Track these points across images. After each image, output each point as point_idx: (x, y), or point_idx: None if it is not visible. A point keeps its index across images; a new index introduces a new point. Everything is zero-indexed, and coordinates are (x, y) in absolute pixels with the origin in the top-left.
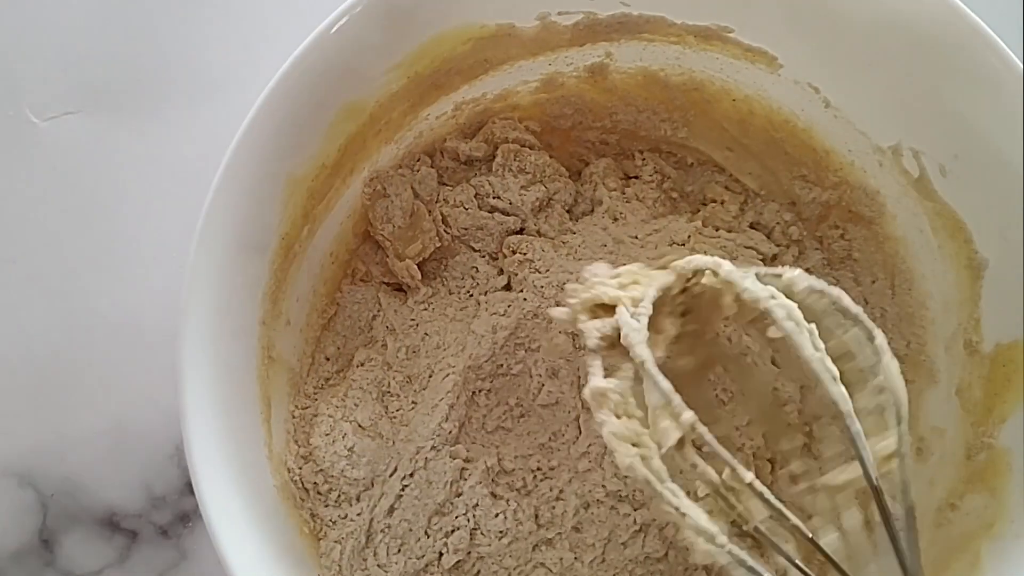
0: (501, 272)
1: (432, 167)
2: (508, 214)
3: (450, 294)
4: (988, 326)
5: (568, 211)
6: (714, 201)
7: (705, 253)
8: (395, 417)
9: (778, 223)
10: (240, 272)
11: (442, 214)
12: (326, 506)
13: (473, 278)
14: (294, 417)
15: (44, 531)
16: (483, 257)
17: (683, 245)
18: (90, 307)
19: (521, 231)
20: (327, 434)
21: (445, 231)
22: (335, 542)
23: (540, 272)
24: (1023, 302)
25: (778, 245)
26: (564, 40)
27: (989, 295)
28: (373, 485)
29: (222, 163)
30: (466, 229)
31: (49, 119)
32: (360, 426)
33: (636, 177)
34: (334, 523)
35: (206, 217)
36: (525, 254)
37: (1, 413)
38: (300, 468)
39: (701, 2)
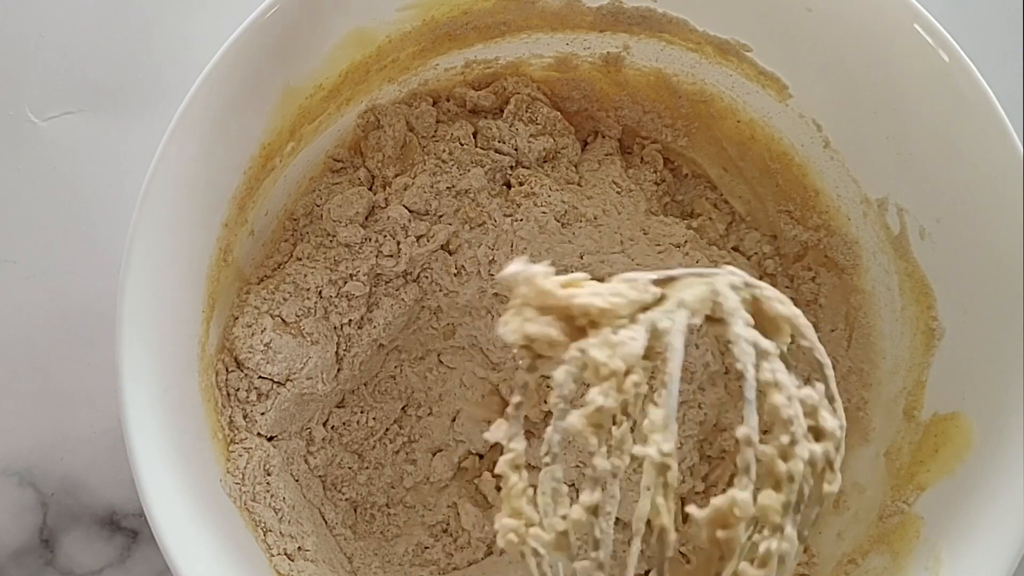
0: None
1: (433, 107)
2: (506, 155)
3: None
4: (931, 394)
5: (575, 167)
6: (700, 215)
7: (697, 263)
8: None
9: (756, 253)
10: (213, 166)
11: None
12: (244, 418)
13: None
14: (234, 317)
15: (44, 530)
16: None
17: (679, 248)
18: (90, 307)
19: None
20: (248, 326)
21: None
22: (244, 449)
23: (542, 207)
24: (970, 376)
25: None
26: (586, 22)
27: (939, 364)
28: (287, 383)
29: (218, 52)
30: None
31: (49, 119)
32: (283, 321)
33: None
34: (246, 431)
35: (191, 99)
36: (532, 188)
37: (1, 413)
38: (227, 372)
39: (725, 14)
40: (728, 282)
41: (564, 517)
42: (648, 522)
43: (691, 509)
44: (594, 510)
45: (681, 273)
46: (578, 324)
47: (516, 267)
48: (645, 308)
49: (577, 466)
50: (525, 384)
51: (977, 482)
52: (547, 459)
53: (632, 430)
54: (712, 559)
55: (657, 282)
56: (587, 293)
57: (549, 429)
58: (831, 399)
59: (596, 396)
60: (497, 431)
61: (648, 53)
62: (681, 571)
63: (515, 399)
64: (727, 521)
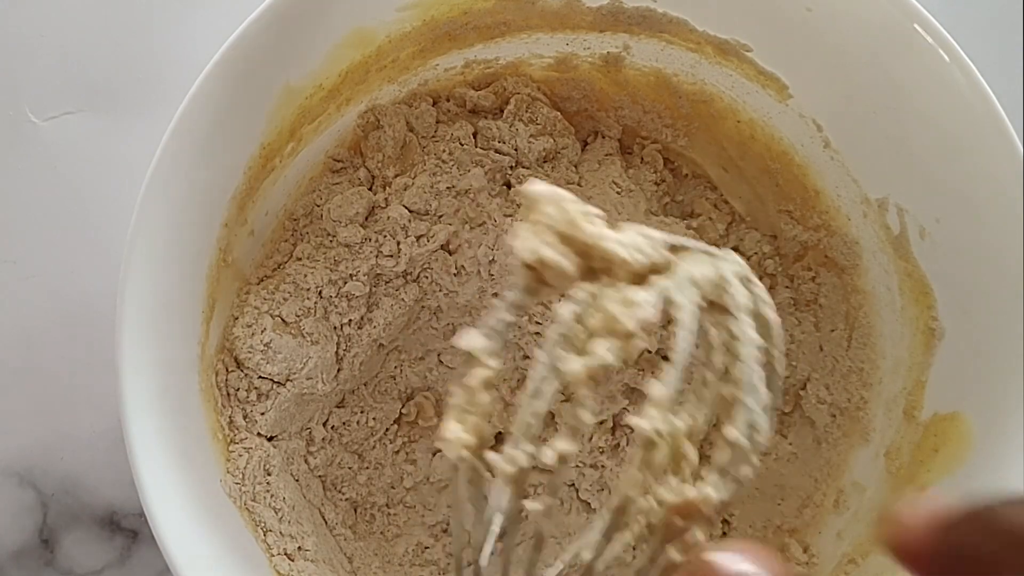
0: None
1: (433, 107)
2: (506, 155)
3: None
4: (931, 394)
5: (575, 167)
6: (700, 215)
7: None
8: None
9: (756, 253)
10: (213, 166)
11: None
12: (244, 418)
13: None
14: (235, 318)
15: (44, 531)
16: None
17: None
18: (90, 307)
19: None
20: (248, 326)
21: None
22: (244, 449)
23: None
24: (970, 376)
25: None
26: (586, 22)
27: (939, 364)
28: (287, 383)
29: (218, 52)
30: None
31: (49, 119)
32: (283, 321)
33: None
34: (247, 431)
35: (191, 99)
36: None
37: (1, 413)
38: (228, 372)
39: (725, 14)
40: (734, 271)
41: (530, 456)
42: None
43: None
44: (563, 459)
45: (691, 244)
46: (592, 265)
47: (544, 187)
48: (655, 270)
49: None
50: (519, 305)
51: (977, 482)
52: (532, 393)
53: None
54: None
55: (670, 247)
56: (613, 239)
57: (540, 363)
58: (765, 408)
59: (602, 350)
60: (474, 339)
61: (648, 53)
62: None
63: (505, 316)
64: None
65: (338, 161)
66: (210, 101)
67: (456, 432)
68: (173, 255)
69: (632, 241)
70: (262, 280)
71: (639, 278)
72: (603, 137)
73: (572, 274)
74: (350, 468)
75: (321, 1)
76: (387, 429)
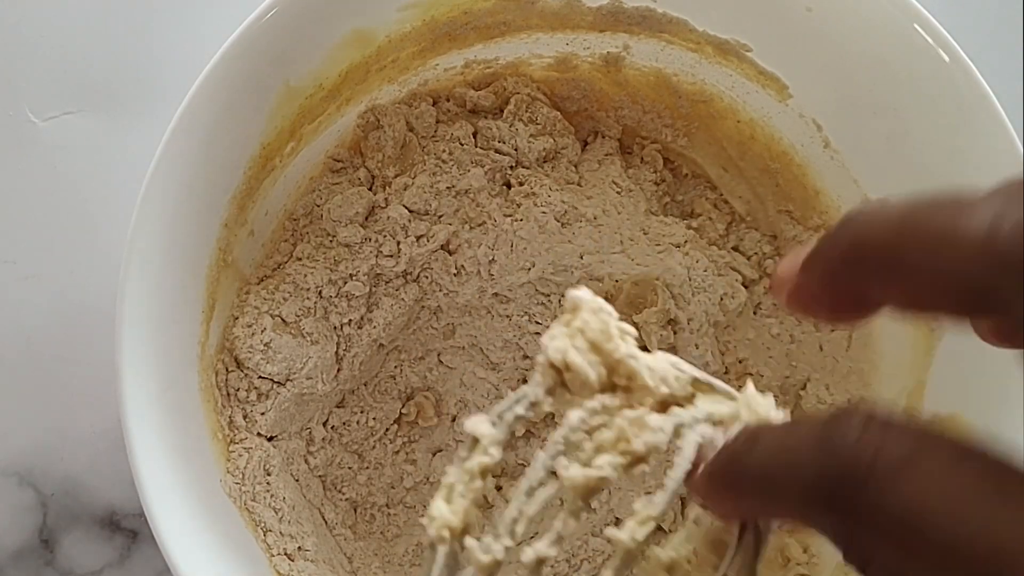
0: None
1: (433, 108)
2: (506, 155)
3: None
4: (931, 394)
5: (575, 167)
6: (700, 215)
7: (697, 263)
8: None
9: (756, 253)
10: (213, 166)
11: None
12: (244, 418)
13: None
14: (235, 318)
15: (44, 531)
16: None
17: (679, 248)
18: (90, 307)
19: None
20: (248, 326)
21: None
22: (244, 449)
23: (542, 207)
24: (970, 376)
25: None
26: (586, 22)
27: (940, 363)
28: (287, 383)
29: (218, 52)
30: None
31: (49, 119)
32: (283, 321)
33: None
34: (247, 431)
35: (191, 99)
36: (532, 188)
37: (1, 413)
38: (227, 372)
39: (725, 14)
40: (754, 409)
41: (508, 550)
42: None
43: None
44: (541, 562)
45: (717, 385)
46: (615, 380)
47: (589, 295)
48: (675, 401)
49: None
50: (535, 404)
51: None
52: (525, 491)
53: None
54: None
55: (695, 382)
56: (643, 362)
57: (539, 464)
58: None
59: (606, 467)
60: (480, 425)
61: (648, 53)
62: None
63: (518, 410)
64: None
65: (338, 161)
66: (210, 101)
67: (443, 512)
68: (173, 255)
69: (661, 369)
70: (262, 280)
71: (658, 405)
72: (603, 137)
73: (594, 385)
74: (350, 468)
75: (321, 1)
76: (387, 429)
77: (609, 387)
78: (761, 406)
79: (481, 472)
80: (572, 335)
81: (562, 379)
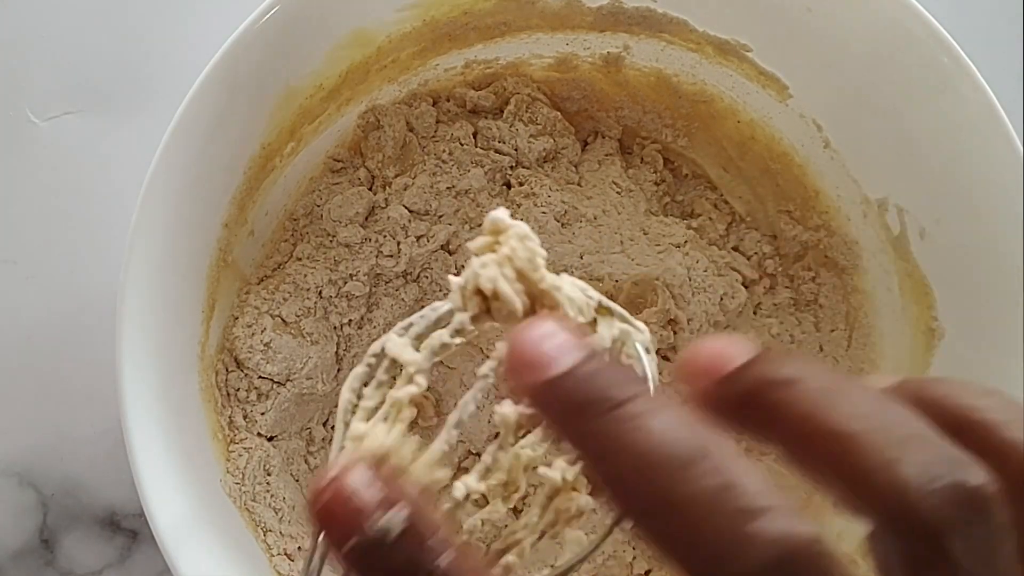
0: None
1: (433, 107)
2: (506, 155)
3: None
4: None
5: (575, 167)
6: (700, 215)
7: (697, 263)
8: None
9: (756, 253)
10: (213, 166)
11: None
12: (244, 418)
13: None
14: (234, 318)
15: (44, 531)
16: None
17: (679, 248)
18: (90, 307)
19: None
20: (248, 326)
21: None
22: (244, 449)
23: (542, 207)
24: (970, 376)
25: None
26: (586, 22)
27: (938, 365)
28: (287, 383)
29: (218, 52)
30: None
31: (49, 119)
32: (283, 321)
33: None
34: (247, 431)
35: (191, 99)
36: (532, 188)
37: (1, 413)
38: (227, 372)
39: (725, 14)
40: (640, 340)
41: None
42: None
43: None
44: (466, 495)
45: (616, 310)
46: (536, 309)
47: (509, 217)
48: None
49: (461, 441)
50: (465, 331)
51: None
52: (454, 425)
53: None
54: None
55: (599, 307)
56: (564, 293)
57: (469, 397)
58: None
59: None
60: (405, 350)
61: (648, 53)
62: None
63: (444, 336)
64: None
65: (338, 161)
66: (210, 101)
67: (375, 432)
68: (173, 255)
69: (577, 298)
70: (262, 280)
71: None
72: (603, 137)
73: (519, 315)
74: None
75: (321, 1)
76: None
77: (532, 314)
78: (646, 336)
79: (410, 402)
80: (501, 262)
81: (487, 307)
